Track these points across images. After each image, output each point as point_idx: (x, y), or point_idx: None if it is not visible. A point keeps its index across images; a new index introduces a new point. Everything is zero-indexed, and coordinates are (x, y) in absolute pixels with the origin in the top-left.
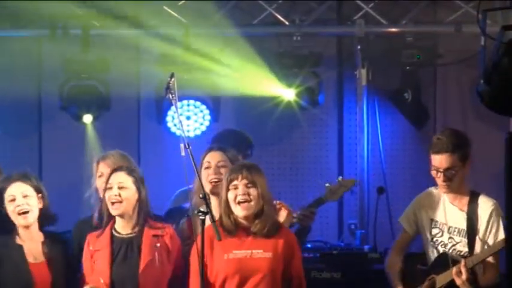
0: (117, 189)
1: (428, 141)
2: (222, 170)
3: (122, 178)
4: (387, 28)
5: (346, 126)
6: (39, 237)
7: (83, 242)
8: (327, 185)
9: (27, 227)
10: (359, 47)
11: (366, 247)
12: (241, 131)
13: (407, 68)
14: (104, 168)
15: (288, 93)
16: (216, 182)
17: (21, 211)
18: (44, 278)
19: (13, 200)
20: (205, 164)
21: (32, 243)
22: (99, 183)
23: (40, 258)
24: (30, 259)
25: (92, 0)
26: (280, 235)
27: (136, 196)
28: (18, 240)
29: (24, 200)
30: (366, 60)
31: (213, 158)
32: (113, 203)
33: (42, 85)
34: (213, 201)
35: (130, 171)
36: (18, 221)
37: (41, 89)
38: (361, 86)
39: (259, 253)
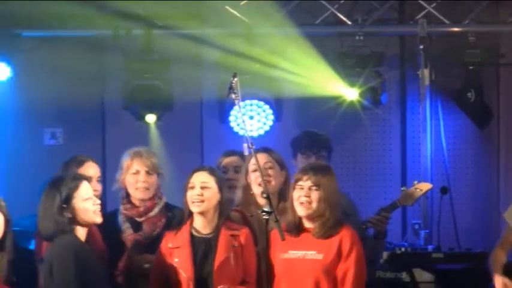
0: (199, 188)
1: (491, 141)
2: (270, 172)
3: (205, 178)
4: (449, 28)
5: (409, 126)
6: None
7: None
8: (403, 188)
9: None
10: (421, 46)
11: (430, 247)
12: (319, 132)
13: (470, 67)
14: (139, 165)
15: (350, 93)
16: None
17: (97, 211)
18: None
19: (89, 198)
20: (251, 167)
21: (87, 240)
22: (130, 178)
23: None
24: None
25: (155, 0)
26: (337, 236)
27: (218, 196)
28: (82, 239)
29: (97, 199)
30: (428, 60)
31: (259, 159)
32: (193, 202)
33: (105, 85)
34: (261, 201)
35: (212, 171)
36: (94, 218)
37: (104, 89)
38: (424, 86)
39: (311, 254)
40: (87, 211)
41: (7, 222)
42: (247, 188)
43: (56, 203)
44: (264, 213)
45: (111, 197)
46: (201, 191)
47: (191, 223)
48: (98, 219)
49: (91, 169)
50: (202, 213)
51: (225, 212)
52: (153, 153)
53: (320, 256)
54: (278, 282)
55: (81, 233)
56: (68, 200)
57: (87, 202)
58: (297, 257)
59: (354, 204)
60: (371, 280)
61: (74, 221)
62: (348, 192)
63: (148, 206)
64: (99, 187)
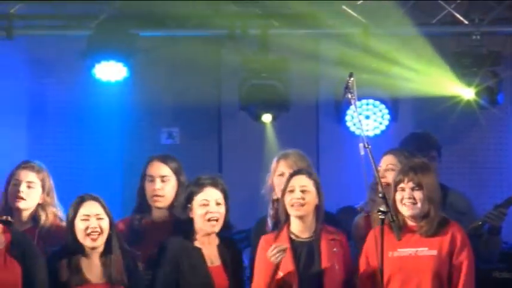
0: (299, 192)
1: None
2: (392, 173)
3: (304, 181)
4: None
5: None
6: (215, 240)
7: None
8: None
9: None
10: None
11: None
12: (425, 132)
13: None
14: (284, 167)
15: (467, 93)
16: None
17: (212, 218)
18: (221, 282)
19: (206, 205)
20: (383, 167)
21: (209, 246)
22: (277, 181)
23: (216, 261)
24: (208, 263)
25: (271, 0)
26: (447, 232)
27: (316, 200)
28: (196, 243)
29: (217, 208)
30: None
31: (387, 160)
32: (292, 205)
33: (222, 85)
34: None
35: (310, 175)
36: (206, 226)
37: (220, 89)
38: None
39: (424, 251)
40: (200, 218)
41: (111, 224)
42: (375, 187)
43: (182, 200)
44: (380, 213)
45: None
46: (302, 194)
47: (288, 227)
48: (211, 229)
49: None
50: (301, 217)
51: (322, 215)
52: (302, 155)
53: (434, 252)
54: (389, 279)
55: (198, 237)
56: (190, 198)
57: (202, 208)
58: (409, 254)
59: (470, 203)
60: (487, 280)
61: (191, 223)
62: (464, 191)
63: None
64: None
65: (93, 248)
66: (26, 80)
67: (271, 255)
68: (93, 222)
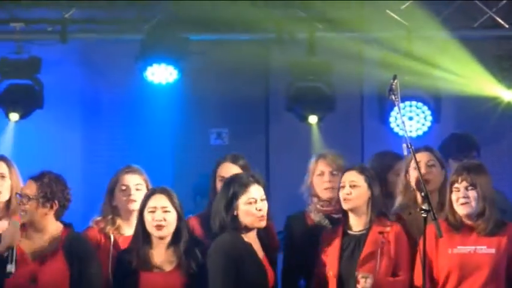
0: (348, 187)
1: None
2: (433, 169)
3: (354, 177)
4: None
5: None
6: (255, 234)
7: (294, 237)
8: None
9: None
10: None
11: None
12: (465, 133)
13: None
14: (323, 166)
15: (507, 95)
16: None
17: (260, 215)
18: (270, 271)
19: (252, 203)
20: (414, 166)
21: (255, 240)
22: (316, 180)
23: (261, 253)
24: (259, 255)
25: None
26: (505, 232)
27: (368, 193)
28: (246, 239)
29: (262, 204)
30: None
31: (422, 158)
32: (344, 200)
33: (269, 87)
34: (420, 198)
35: (362, 170)
36: (255, 223)
37: (268, 91)
38: None
39: (482, 249)
40: (249, 214)
41: (179, 216)
42: (407, 186)
43: (224, 202)
44: (422, 212)
45: (276, 197)
46: (350, 189)
47: (347, 221)
48: (260, 224)
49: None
50: (352, 210)
51: (377, 208)
52: (339, 154)
53: (492, 251)
54: (447, 275)
55: (250, 235)
56: (234, 198)
57: (251, 206)
58: (468, 251)
59: (510, 202)
60: None
61: (238, 221)
62: (503, 191)
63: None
64: None
65: (160, 238)
66: (80, 83)
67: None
68: (158, 214)
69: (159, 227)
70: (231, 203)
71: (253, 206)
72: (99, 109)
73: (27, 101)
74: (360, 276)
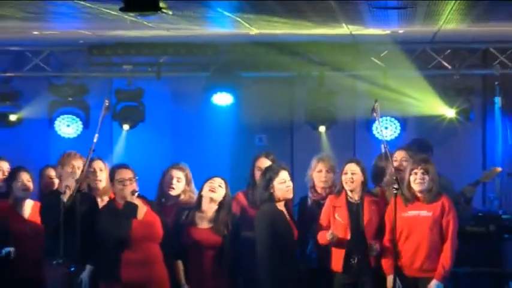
0: (350, 174)
1: None
2: (404, 164)
3: (353, 167)
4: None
5: (488, 133)
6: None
7: (303, 216)
8: (484, 171)
9: None
10: (496, 82)
11: (500, 211)
12: (423, 139)
13: None
14: (321, 166)
15: (450, 113)
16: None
17: (290, 189)
18: (295, 230)
19: (284, 182)
20: (395, 163)
21: (284, 209)
22: (316, 175)
23: (288, 218)
24: (288, 218)
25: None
26: (439, 201)
27: (362, 178)
28: (279, 207)
29: (290, 183)
30: (501, 91)
31: (400, 155)
32: (346, 183)
33: (293, 107)
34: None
35: (358, 162)
36: (287, 195)
37: (292, 110)
38: (498, 108)
39: (423, 213)
40: (281, 190)
41: (226, 195)
42: (391, 173)
43: (263, 182)
44: (394, 189)
45: (297, 182)
46: (352, 176)
47: (346, 193)
48: (289, 196)
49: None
50: (352, 189)
51: (366, 187)
52: (332, 157)
53: (430, 214)
54: (401, 231)
55: (280, 205)
56: (270, 180)
57: (282, 184)
58: (414, 215)
59: (451, 183)
60: (462, 231)
61: (273, 196)
62: (446, 175)
63: (328, 193)
64: None
65: (211, 200)
66: (168, 105)
67: (328, 235)
68: (216, 182)
69: (212, 191)
70: (268, 184)
71: (283, 184)
72: (182, 122)
73: (134, 117)
74: (371, 243)
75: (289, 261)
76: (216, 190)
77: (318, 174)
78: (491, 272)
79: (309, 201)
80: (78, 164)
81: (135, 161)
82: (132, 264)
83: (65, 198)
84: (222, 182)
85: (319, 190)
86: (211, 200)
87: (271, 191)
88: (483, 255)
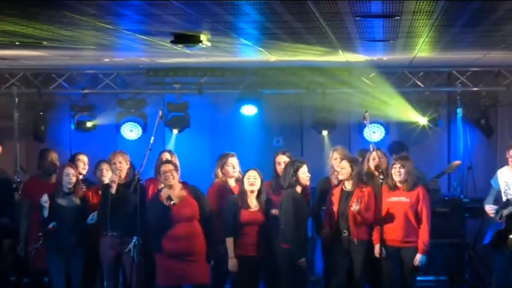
0: (340, 168)
1: (492, 143)
2: (382, 160)
3: (343, 163)
4: (469, 88)
5: (452, 137)
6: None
7: (322, 192)
8: (448, 164)
9: None
10: (458, 97)
11: (462, 196)
12: (401, 141)
13: (482, 107)
14: (336, 154)
15: (423, 120)
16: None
17: (308, 178)
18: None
19: (305, 173)
20: (374, 160)
21: (301, 192)
22: (334, 162)
23: (305, 199)
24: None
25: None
26: (416, 190)
27: (353, 171)
28: (298, 190)
29: (308, 174)
30: (462, 103)
31: (378, 154)
32: (337, 175)
33: (302, 115)
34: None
35: (350, 160)
36: (306, 182)
37: (302, 118)
38: (459, 118)
39: (403, 199)
40: (303, 179)
41: (261, 182)
42: (369, 169)
43: (289, 172)
44: (380, 179)
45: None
46: (341, 170)
47: (343, 183)
48: (307, 183)
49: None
50: (346, 180)
51: (358, 179)
52: (344, 149)
53: (408, 200)
54: (385, 215)
55: (298, 189)
56: (296, 171)
57: (304, 174)
58: (395, 200)
59: (423, 176)
60: (432, 211)
61: (296, 182)
62: (420, 169)
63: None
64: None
65: (251, 192)
66: (208, 115)
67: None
68: (252, 177)
69: (252, 185)
70: (295, 173)
71: (305, 174)
72: (218, 128)
73: (181, 124)
74: (353, 204)
75: (304, 228)
76: (254, 183)
77: (335, 162)
78: (454, 243)
79: (331, 182)
80: (119, 159)
81: (183, 158)
82: (173, 239)
83: (113, 190)
84: (256, 173)
85: (339, 176)
86: (252, 191)
87: (296, 178)
88: (448, 230)
